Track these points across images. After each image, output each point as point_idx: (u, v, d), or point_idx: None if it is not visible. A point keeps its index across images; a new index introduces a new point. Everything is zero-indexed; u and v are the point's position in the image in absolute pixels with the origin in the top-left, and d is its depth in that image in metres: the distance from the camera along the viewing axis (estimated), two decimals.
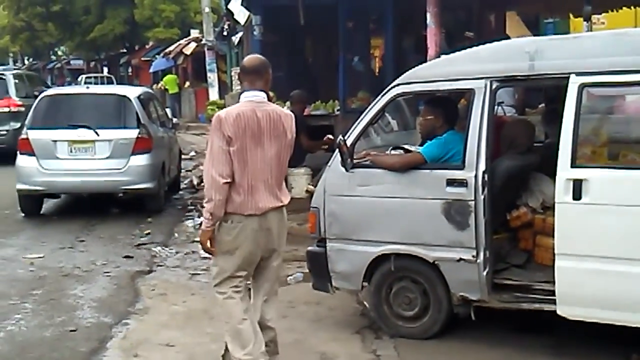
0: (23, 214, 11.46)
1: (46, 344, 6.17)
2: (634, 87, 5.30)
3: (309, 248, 6.29)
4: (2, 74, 18.62)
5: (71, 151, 11.06)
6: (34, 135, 11.10)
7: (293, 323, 6.46)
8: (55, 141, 11.03)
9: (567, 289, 5.22)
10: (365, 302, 6.49)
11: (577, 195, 5.10)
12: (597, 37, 5.91)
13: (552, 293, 5.31)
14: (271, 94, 11.07)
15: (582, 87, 5.19)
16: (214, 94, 24.97)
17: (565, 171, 5.18)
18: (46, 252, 9.22)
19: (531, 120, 6.96)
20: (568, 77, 5.23)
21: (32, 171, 11.01)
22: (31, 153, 11.03)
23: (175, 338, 6.26)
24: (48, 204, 12.05)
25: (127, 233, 10.26)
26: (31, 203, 11.48)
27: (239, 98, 4.99)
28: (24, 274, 8.30)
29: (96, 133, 10.98)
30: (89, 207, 12.00)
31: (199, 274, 8.25)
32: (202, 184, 13.66)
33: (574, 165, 5.17)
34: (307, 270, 6.71)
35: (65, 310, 7.03)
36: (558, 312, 5.28)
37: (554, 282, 5.28)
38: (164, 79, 33.25)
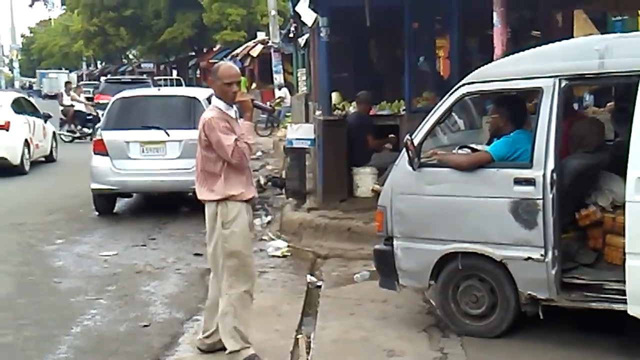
0: (97, 213, 11.79)
1: (120, 338, 6.37)
2: None
3: (376, 246, 6.34)
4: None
5: (143, 151, 11.33)
6: (108, 136, 11.41)
7: (360, 321, 6.53)
8: (128, 142, 11.32)
9: (638, 289, 5.16)
10: (432, 300, 6.52)
11: None
12: None
13: (623, 292, 5.26)
14: (335, 95, 11.23)
15: None
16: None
17: (636, 170, 5.13)
18: (119, 250, 9.48)
19: (600, 119, 6.89)
20: (639, 75, 5.18)
21: (106, 171, 11.32)
22: (105, 153, 11.35)
23: None
24: (120, 203, 12.39)
25: (196, 231, 10.42)
26: (105, 202, 11.81)
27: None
28: (99, 270, 8.56)
29: (167, 134, 11.22)
30: (159, 206, 12.27)
31: (266, 271, 8.37)
32: (269, 183, 13.94)
33: None
34: (374, 269, 6.75)
35: (138, 306, 7.24)
36: (629, 311, 5.23)
37: (624, 282, 5.24)
38: None
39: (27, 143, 16.97)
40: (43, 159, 18.69)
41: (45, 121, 18.95)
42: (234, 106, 5.43)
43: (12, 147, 16.41)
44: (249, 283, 5.56)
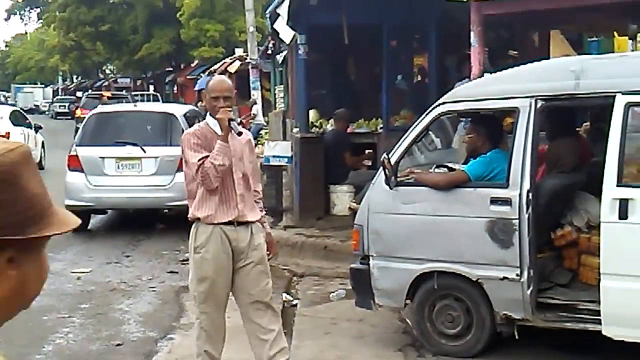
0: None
1: (93, 357, 6.29)
2: None
3: (352, 265, 6.32)
4: None
5: (118, 168, 11.25)
6: (83, 152, 11.32)
7: (336, 340, 6.49)
8: (103, 158, 11.23)
9: (612, 309, 5.17)
10: (408, 320, 6.50)
11: (623, 214, 5.08)
12: None
13: (597, 313, 5.27)
14: (312, 113, 11.22)
15: (628, 106, 5.17)
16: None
17: (611, 190, 5.16)
18: (93, 267, 9.39)
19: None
20: (614, 96, 5.22)
21: (81, 187, 11.22)
22: (80, 169, 11.25)
23: None
24: (95, 220, 12.27)
25: (172, 248, 10.38)
26: (79, 218, 11.65)
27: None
28: (72, 288, 8.45)
29: (143, 150, 11.16)
30: (135, 222, 12.16)
31: None
32: None
33: (620, 184, 5.14)
34: (350, 287, 6.73)
35: (112, 324, 7.15)
36: (603, 332, 5.24)
37: (599, 302, 5.24)
38: None
39: None
40: None
41: (36, 132, 20.95)
42: (234, 123, 4.91)
43: None
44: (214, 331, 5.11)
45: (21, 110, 23.05)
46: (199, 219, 4.92)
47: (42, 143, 21.42)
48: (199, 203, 4.90)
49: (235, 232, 4.91)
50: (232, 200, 4.90)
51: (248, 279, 4.95)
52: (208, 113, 5.04)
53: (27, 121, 21.29)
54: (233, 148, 4.85)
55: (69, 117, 44.60)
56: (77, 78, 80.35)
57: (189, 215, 5.02)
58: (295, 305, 7.73)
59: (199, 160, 4.74)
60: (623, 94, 5.18)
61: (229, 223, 4.88)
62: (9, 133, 18.22)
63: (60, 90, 74.90)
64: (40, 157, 20.52)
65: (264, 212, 5.24)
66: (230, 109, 4.85)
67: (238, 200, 4.89)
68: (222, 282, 4.96)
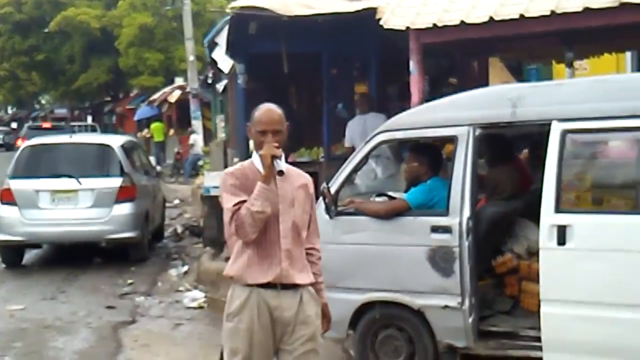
0: (4, 265, 11.33)
1: None
2: (615, 132, 5.33)
3: None
4: None
5: (53, 201, 10.99)
6: (16, 185, 11.04)
7: None
8: (38, 191, 10.97)
9: (553, 335, 5.17)
10: (350, 351, 6.41)
11: (561, 240, 5.09)
12: (578, 84, 5.97)
13: (539, 339, 5.26)
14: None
15: (565, 133, 5.21)
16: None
17: (549, 217, 5.18)
18: (27, 304, 9.09)
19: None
20: (550, 124, 5.26)
21: (14, 221, 10.91)
22: (13, 203, 10.95)
23: None
24: (29, 255, 11.93)
25: (110, 283, 10.15)
26: (12, 254, 11.37)
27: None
28: (5, 325, 8.18)
29: (79, 182, 10.93)
30: (71, 257, 11.85)
31: (182, 324, 8.15)
32: (186, 232, 13.68)
33: (557, 210, 5.16)
34: None
35: None
36: (544, 358, 5.23)
37: (540, 329, 5.24)
38: (151, 126, 33.25)
39: None
40: None
41: None
42: (277, 161, 3.99)
43: None
44: None
45: None
46: (232, 277, 4.13)
47: None
48: (235, 258, 4.11)
49: (277, 299, 4.03)
50: (274, 256, 4.03)
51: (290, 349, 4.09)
52: (254, 151, 4.15)
53: None
54: (282, 192, 4.05)
55: (3, 149, 43.71)
56: (12, 108, 78.85)
57: (224, 272, 4.25)
58: None
59: (234, 206, 3.93)
60: (559, 121, 5.22)
61: (270, 286, 4.03)
62: None
63: None
64: None
65: (321, 277, 4.34)
66: (278, 144, 3.99)
67: (282, 257, 4.02)
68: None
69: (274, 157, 3.93)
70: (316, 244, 4.33)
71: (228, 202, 3.95)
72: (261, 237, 3.98)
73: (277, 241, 4.02)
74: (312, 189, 4.28)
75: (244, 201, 3.91)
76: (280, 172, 3.95)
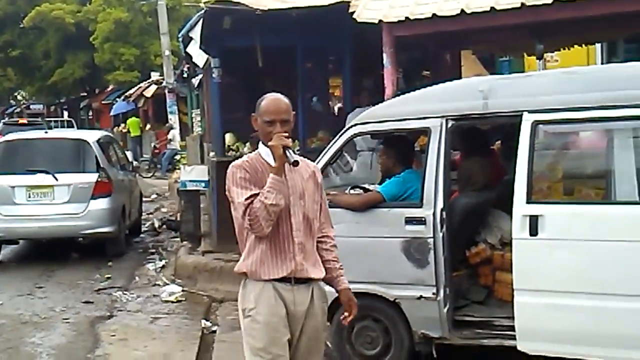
0: None
1: None
2: (585, 123, 5.40)
3: None
4: None
5: (29, 196, 10.95)
6: None
7: None
8: (13, 187, 10.93)
9: (526, 324, 5.25)
10: (327, 342, 6.45)
11: (533, 231, 5.16)
12: (548, 76, 6.04)
13: (512, 328, 5.33)
14: (229, 136, 11.16)
15: (535, 124, 5.28)
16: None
17: (521, 207, 5.24)
18: (4, 300, 9.06)
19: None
20: (521, 115, 5.32)
21: None
22: None
23: None
24: (6, 251, 11.87)
25: (87, 278, 10.14)
26: None
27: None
28: None
29: (55, 178, 10.90)
30: (48, 252, 11.82)
31: (160, 317, 8.16)
32: (163, 226, 13.67)
33: (529, 201, 5.23)
34: None
35: (23, 358, 6.93)
36: (518, 347, 5.30)
37: (513, 318, 5.31)
38: (128, 121, 33.15)
39: None
40: None
41: None
42: (289, 151, 3.85)
43: None
44: None
45: None
46: (245, 274, 4.00)
47: None
48: (247, 254, 3.97)
49: (291, 293, 3.94)
50: (287, 250, 3.93)
51: (296, 356, 4.01)
52: (260, 142, 4.04)
53: None
54: (292, 183, 3.94)
55: None
56: None
57: (235, 269, 4.11)
58: (215, 331, 7.62)
59: (246, 200, 3.79)
60: (530, 112, 5.28)
61: (284, 280, 3.92)
62: None
63: None
64: None
65: (339, 264, 4.21)
66: (287, 134, 3.86)
67: (296, 251, 3.92)
68: (282, 354, 3.92)
69: (286, 147, 3.80)
70: (330, 232, 4.21)
71: (239, 196, 3.81)
72: (274, 231, 3.85)
73: (290, 234, 3.91)
74: (320, 178, 4.17)
75: (256, 194, 3.78)
76: (296, 163, 3.84)
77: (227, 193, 3.94)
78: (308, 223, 3.98)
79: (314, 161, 5.68)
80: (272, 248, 3.91)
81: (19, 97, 67.13)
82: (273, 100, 3.99)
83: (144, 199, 15.27)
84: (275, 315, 3.89)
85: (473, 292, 6.11)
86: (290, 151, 3.83)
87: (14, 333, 7.71)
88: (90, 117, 50.87)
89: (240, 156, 10.98)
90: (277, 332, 3.90)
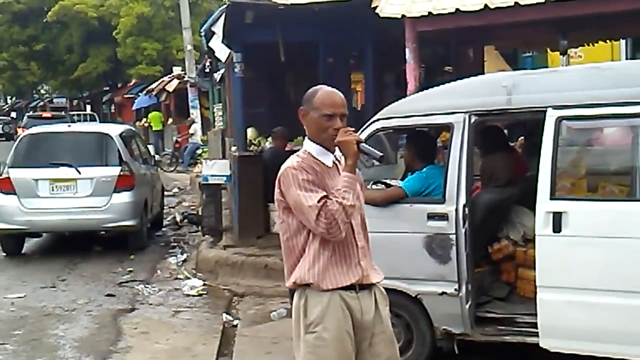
0: (4, 254, 11.38)
1: None
2: (610, 119, 5.36)
3: None
4: None
5: (53, 189, 11.03)
6: (15, 174, 11.06)
7: (277, 359, 6.42)
8: (37, 180, 11.00)
9: (549, 321, 5.22)
10: None
11: (557, 227, 5.13)
12: (572, 71, 6.00)
13: (535, 325, 5.31)
14: (250, 131, 11.18)
15: (560, 120, 5.24)
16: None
17: (544, 204, 5.22)
18: (27, 292, 9.14)
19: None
20: (545, 111, 5.29)
21: (14, 210, 10.95)
22: (12, 192, 10.98)
23: None
24: (29, 243, 11.98)
25: (109, 271, 10.20)
26: (12, 242, 11.42)
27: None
28: (5, 314, 8.22)
29: (78, 171, 10.97)
30: (70, 245, 11.91)
31: (181, 311, 8.20)
32: (185, 221, 13.73)
33: (553, 197, 5.20)
34: (290, 306, 6.66)
35: (46, 350, 6.97)
36: (540, 344, 5.28)
37: (536, 315, 5.29)
38: (149, 115, 33.28)
39: None
40: None
41: None
42: (335, 150, 3.71)
43: None
44: None
45: None
46: (307, 285, 3.65)
47: None
48: (311, 262, 3.62)
49: (357, 301, 3.68)
50: (353, 255, 3.68)
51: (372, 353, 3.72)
52: (308, 139, 3.76)
53: None
54: None
55: (3, 139, 43.67)
56: (11, 98, 78.77)
57: (289, 283, 3.73)
58: (236, 325, 7.64)
59: (319, 202, 3.49)
60: (554, 108, 5.25)
61: (349, 287, 3.66)
62: None
63: None
64: None
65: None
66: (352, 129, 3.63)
67: (360, 256, 3.70)
68: None
69: (359, 142, 3.58)
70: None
71: (308, 200, 3.50)
72: (338, 236, 3.56)
73: (353, 238, 3.67)
74: (360, 174, 3.84)
75: (326, 197, 3.51)
76: (381, 158, 3.64)
77: (279, 197, 3.67)
78: (364, 224, 3.81)
79: None
80: (337, 254, 3.63)
81: (42, 91, 67.69)
82: (331, 92, 3.74)
83: (165, 193, 15.34)
84: (344, 331, 3.61)
85: (495, 288, 6.08)
86: (366, 145, 3.62)
87: (37, 325, 7.77)
88: (112, 111, 51.17)
89: (262, 151, 11.11)
90: (345, 350, 3.61)
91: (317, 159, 3.67)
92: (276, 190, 3.69)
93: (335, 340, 3.58)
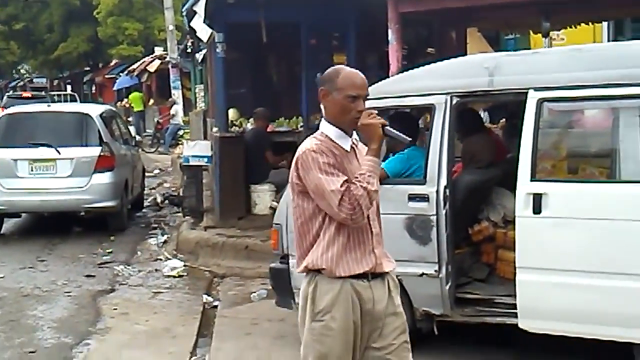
0: None
1: None
2: (591, 101, 5.38)
3: (272, 265, 6.25)
4: None
5: (32, 170, 10.93)
6: None
7: (256, 340, 6.43)
8: (16, 160, 10.90)
9: (527, 302, 5.24)
10: None
11: (537, 209, 5.14)
12: (554, 53, 6.01)
13: (514, 306, 5.32)
14: (232, 111, 11.13)
15: (541, 102, 5.24)
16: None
17: (525, 185, 5.22)
18: (6, 273, 9.08)
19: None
20: (527, 92, 5.28)
21: None
22: None
23: (137, 358, 6.21)
24: (8, 224, 11.89)
25: (89, 252, 10.15)
26: None
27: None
28: None
29: (57, 151, 10.88)
30: (50, 226, 11.82)
31: (161, 292, 8.18)
32: (166, 202, 13.68)
33: (533, 179, 5.21)
34: (271, 287, 6.66)
35: (24, 331, 6.93)
36: (519, 325, 5.30)
37: (515, 296, 5.30)
38: (130, 96, 33.06)
39: None
40: None
41: None
42: (353, 134, 3.60)
43: None
44: None
45: None
46: (319, 270, 3.52)
47: None
48: (325, 247, 3.50)
49: (369, 290, 3.55)
50: (367, 243, 3.56)
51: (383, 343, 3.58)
52: (323, 119, 3.61)
53: None
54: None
55: None
56: None
57: (300, 269, 3.62)
58: (216, 306, 7.63)
59: (341, 186, 3.37)
60: (535, 90, 5.24)
61: (361, 276, 3.54)
62: None
63: None
64: None
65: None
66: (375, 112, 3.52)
67: (375, 243, 3.59)
68: None
69: (384, 125, 3.47)
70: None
71: (331, 184, 3.36)
72: (360, 221, 3.46)
73: (368, 224, 3.54)
74: None
75: (347, 181, 3.39)
76: (410, 141, 3.47)
77: (296, 181, 3.50)
78: (378, 210, 3.68)
79: None
80: (352, 241, 3.50)
81: (22, 71, 67.03)
82: (354, 73, 3.54)
83: (146, 174, 15.26)
84: (350, 321, 3.49)
85: (475, 269, 6.10)
86: (391, 128, 3.48)
87: (16, 306, 7.73)
88: (93, 92, 50.76)
89: (244, 132, 11.07)
90: (349, 340, 3.50)
91: (335, 143, 3.53)
92: (292, 173, 3.54)
93: (343, 330, 3.48)
